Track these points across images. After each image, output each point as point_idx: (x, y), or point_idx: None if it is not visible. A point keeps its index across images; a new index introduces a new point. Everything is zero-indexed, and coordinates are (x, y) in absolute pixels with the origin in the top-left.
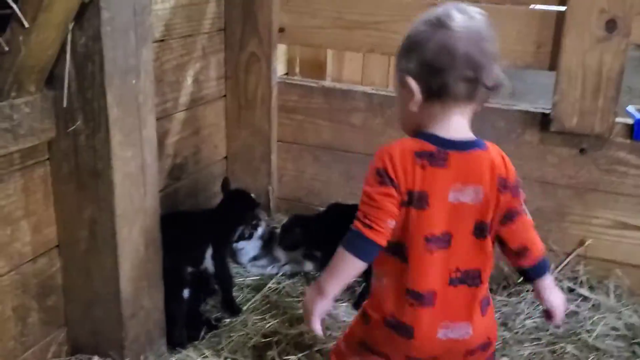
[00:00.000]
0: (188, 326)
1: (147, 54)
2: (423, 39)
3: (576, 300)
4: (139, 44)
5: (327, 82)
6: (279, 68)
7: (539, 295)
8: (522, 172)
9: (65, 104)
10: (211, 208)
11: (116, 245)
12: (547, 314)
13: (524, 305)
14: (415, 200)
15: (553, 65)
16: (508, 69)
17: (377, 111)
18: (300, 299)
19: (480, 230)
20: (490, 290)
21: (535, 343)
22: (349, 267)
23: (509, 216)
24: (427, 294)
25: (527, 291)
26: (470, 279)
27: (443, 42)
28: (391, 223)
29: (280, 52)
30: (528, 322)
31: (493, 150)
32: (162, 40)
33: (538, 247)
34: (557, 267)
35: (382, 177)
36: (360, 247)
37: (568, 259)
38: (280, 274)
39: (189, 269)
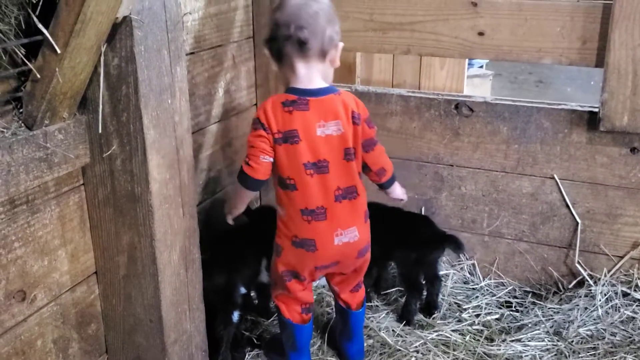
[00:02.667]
0: (232, 347)
1: (182, 72)
2: (269, 19)
3: (631, 305)
4: (173, 62)
5: (360, 86)
6: None
7: (389, 195)
8: (570, 173)
9: (99, 129)
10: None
11: (157, 270)
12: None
13: (577, 312)
14: (289, 138)
15: (600, 62)
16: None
17: (414, 114)
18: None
19: (348, 155)
20: (540, 297)
21: (591, 353)
22: (241, 195)
23: (370, 145)
24: (318, 209)
25: (579, 297)
26: (350, 193)
27: (274, 19)
28: (265, 158)
29: None
30: (582, 330)
31: (345, 94)
32: (192, 53)
33: (390, 167)
34: (609, 271)
35: (256, 124)
36: (244, 179)
37: (621, 262)
38: (319, 283)
39: (242, 290)
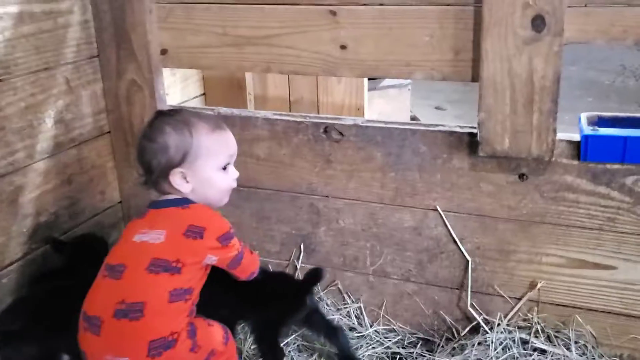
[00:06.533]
0: None
1: None
2: None
3: (531, 355)
4: None
5: (224, 109)
6: (193, 89)
7: None
8: (454, 204)
9: None
10: None
11: None
12: None
13: None
14: (115, 242)
15: (476, 76)
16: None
17: (282, 139)
18: None
19: (155, 267)
20: (433, 344)
21: None
22: None
23: (235, 263)
24: (93, 318)
25: (473, 346)
26: (133, 312)
27: None
28: None
29: (193, 72)
30: None
31: (195, 208)
32: None
33: (257, 266)
34: (506, 315)
35: None
36: None
37: (518, 305)
38: None
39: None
